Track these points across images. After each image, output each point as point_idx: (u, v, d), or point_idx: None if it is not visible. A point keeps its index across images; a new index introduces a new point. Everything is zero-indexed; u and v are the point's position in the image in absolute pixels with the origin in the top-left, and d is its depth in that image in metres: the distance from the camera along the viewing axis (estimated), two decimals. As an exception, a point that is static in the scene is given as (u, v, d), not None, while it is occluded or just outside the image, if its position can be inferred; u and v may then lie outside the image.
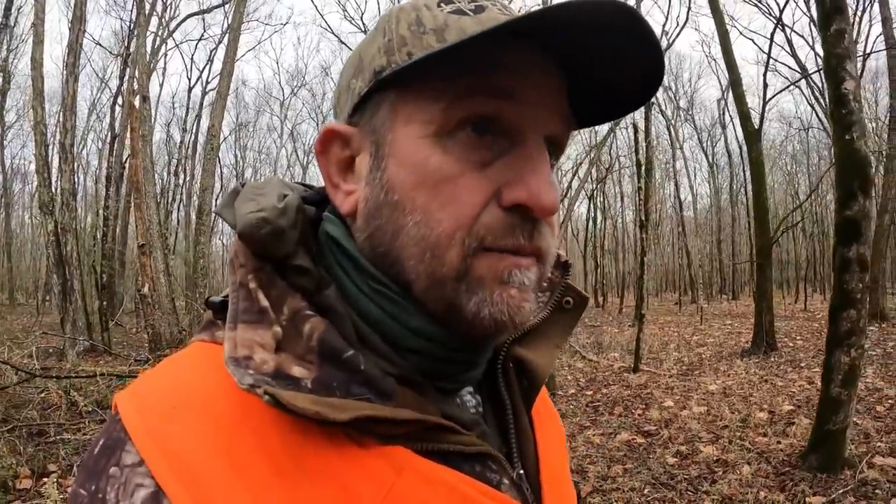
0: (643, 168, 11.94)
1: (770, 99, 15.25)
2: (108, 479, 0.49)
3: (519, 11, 0.55)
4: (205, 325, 0.63)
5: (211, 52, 34.59)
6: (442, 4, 0.58)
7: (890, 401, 7.10)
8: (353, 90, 0.61)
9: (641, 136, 12.21)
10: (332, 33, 29.45)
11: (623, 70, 0.58)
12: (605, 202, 37.52)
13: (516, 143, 0.57)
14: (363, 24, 26.81)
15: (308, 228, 0.62)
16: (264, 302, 0.56)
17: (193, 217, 24.11)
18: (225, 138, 40.39)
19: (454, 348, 0.60)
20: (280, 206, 0.59)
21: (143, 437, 0.50)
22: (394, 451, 0.53)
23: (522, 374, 0.70)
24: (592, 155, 24.54)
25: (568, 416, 7.41)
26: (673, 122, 38.61)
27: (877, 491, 4.43)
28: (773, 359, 10.94)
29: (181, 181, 34.62)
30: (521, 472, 0.65)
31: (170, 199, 33.85)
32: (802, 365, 10.05)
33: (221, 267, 53.98)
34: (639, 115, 13.87)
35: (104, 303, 15.31)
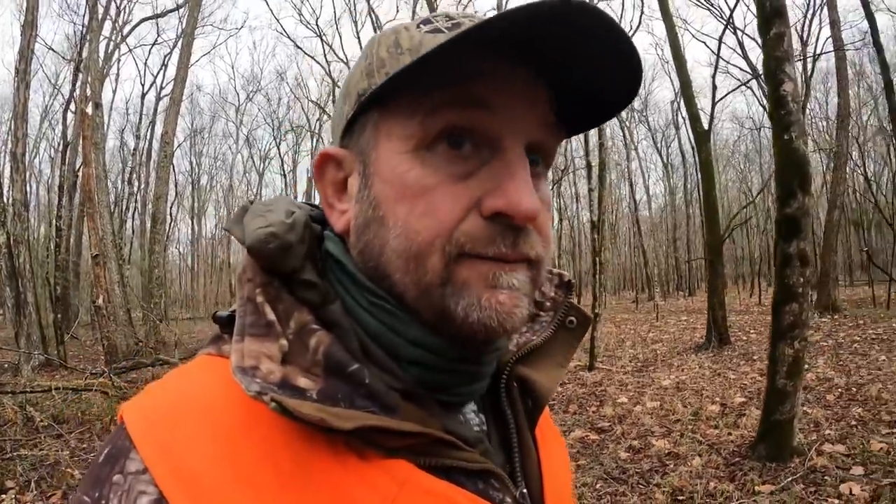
0: (594, 169, 12.11)
1: (720, 100, 15.66)
2: (111, 486, 0.50)
3: None
4: (211, 339, 0.64)
5: (165, 56, 33.90)
6: (421, 25, 0.60)
7: (840, 389, 7.27)
8: (343, 114, 0.64)
9: (594, 138, 12.38)
10: (288, 37, 29.41)
11: (598, 69, 0.58)
12: (562, 203, 37.85)
13: (496, 153, 0.57)
14: (318, 28, 26.77)
15: (315, 244, 0.64)
16: (271, 315, 0.57)
17: (148, 226, 23.73)
18: (179, 145, 39.87)
19: (452, 357, 0.60)
20: (288, 221, 0.61)
21: (148, 446, 0.51)
22: (396, 464, 0.53)
23: (526, 393, 0.70)
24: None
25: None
26: (627, 123, 39.02)
27: (826, 477, 4.51)
28: (726, 353, 11.13)
29: (135, 189, 33.92)
30: (525, 490, 0.65)
31: (124, 207, 33.05)
32: (755, 357, 10.22)
33: (178, 277, 53.09)
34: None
35: (59, 315, 15.03)
